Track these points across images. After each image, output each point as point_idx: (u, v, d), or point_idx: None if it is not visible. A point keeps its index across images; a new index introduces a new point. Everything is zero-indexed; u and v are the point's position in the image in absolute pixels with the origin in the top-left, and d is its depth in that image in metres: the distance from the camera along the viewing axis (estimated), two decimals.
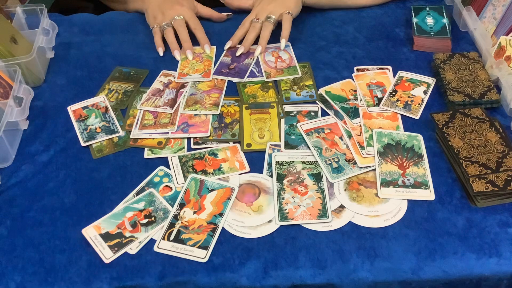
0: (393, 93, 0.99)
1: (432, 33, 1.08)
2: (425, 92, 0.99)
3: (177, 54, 1.09)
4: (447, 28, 1.09)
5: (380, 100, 0.97)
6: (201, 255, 0.75)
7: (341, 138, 0.91)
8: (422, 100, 0.97)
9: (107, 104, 1.00)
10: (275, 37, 1.15)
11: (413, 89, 1.00)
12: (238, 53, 1.08)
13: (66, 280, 0.73)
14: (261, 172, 0.87)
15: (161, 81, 1.04)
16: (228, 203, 0.81)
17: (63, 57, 1.12)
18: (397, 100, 0.97)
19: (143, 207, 0.81)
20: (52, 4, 1.41)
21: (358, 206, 0.80)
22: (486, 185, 0.79)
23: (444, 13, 1.12)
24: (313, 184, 0.84)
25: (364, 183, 0.84)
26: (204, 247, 0.76)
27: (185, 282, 0.73)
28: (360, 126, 0.93)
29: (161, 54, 1.11)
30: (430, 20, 1.11)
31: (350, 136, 0.91)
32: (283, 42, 1.08)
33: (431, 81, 1.01)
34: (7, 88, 0.94)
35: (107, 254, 0.76)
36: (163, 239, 0.77)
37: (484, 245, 0.75)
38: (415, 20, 1.10)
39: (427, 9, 1.14)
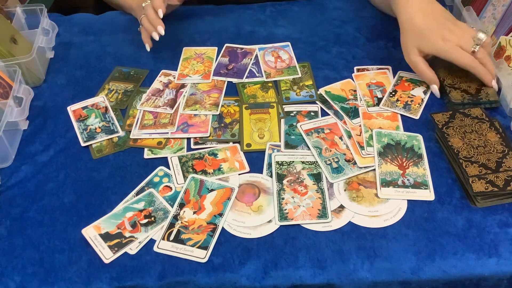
0: (393, 93, 0.99)
1: None
2: (424, 92, 0.99)
3: (147, 47, 1.09)
4: None
5: (380, 100, 0.97)
6: (201, 255, 0.75)
7: (341, 138, 0.91)
8: (422, 100, 0.97)
9: (107, 104, 1.00)
10: (275, 37, 1.15)
11: (412, 89, 1.00)
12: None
13: (66, 280, 0.73)
14: (261, 172, 0.87)
15: (161, 81, 1.04)
16: (228, 203, 0.81)
17: (63, 57, 1.13)
18: (397, 100, 0.97)
19: (143, 207, 0.81)
20: (52, 4, 1.41)
21: (358, 206, 0.80)
22: (486, 185, 0.79)
23: None
24: (313, 184, 0.84)
25: (364, 183, 0.84)
26: (204, 247, 0.76)
27: (185, 282, 0.73)
28: (360, 126, 0.93)
29: (148, 49, 1.10)
30: None
31: (350, 136, 0.91)
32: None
33: None
34: (7, 88, 0.94)
35: (107, 254, 0.76)
36: (163, 239, 0.77)
37: (484, 245, 0.75)
38: None
39: None
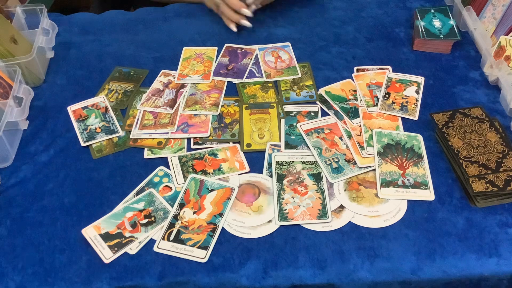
0: (387, 95, 0.98)
1: (441, 36, 1.07)
2: (417, 92, 0.99)
3: (233, 27, 1.15)
4: (456, 30, 1.08)
5: None
6: (201, 255, 0.75)
7: (341, 138, 0.91)
8: (416, 100, 0.97)
9: (107, 104, 1.00)
10: (275, 37, 1.15)
11: (404, 89, 1.00)
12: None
13: (66, 280, 0.73)
14: (261, 172, 0.87)
15: (161, 81, 1.04)
16: (228, 203, 0.81)
17: (63, 57, 1.12)
18: (392, 102, 0.97)
19: (143, 207, 0.81)
20: (52, 4, 1.41)
21: (358, 206, 0.80)
22: (486, 185, 0.79)
23: (450, 15, 1.12)
24: (313, 184, 0.84)
25: (364, 183, 0.84)
26: (204, 247, 0.76)
27: (185, 282, 0.73)
28: (360, 126, 0.93)
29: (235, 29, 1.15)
30: (437, 23, 1.10)
31: (350, 136, 0.91)
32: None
33: (420, 79, 1.01)
34: (7, 88, 0.94)
35: (107, 254, 0.76)
36: (163, 239, 0.77)
37: (484, 246, 0.75)
38: (422, 23, 1.10)
39: (432, 11, 1.14)
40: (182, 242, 0.77)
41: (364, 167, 0.86)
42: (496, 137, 0.85)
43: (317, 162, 0.87)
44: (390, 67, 1.05)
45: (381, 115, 0.95)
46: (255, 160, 0.88)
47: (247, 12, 1.11)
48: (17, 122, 0.94)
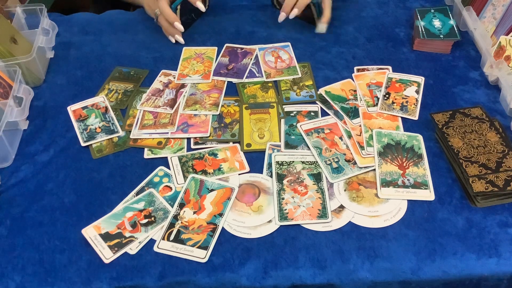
0: (387, 95, 0.98)
1: (441, 36, 1.07)
2: (417, 92, 0.99)
3: (175, 39, 1.13)
4: (455, 30, 1.08)
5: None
6: (201, 255, 0.75)
7: (341, 138, 0.91)
8: (417, 100, 0.97)
9: (107, 104, 1.00)
10: (275, 37, 1.15)
11: (404, 89, 1.00)
12: (280, 19, 1.10)
13: (66, 280, 0.73)
14: (261, 172, 0.87)
15: (160, 81, 1.04)
16: (228, 203, 0.81)
17: (63, 57, 1.12)
18: (392, 102, 0.97)
19: (143, 207, 0.81)
20: (52, 4, 1.41)
21: (358, 206, 0.80)
22: (486, 185, 0.79)
23: (450, 15, 1.12)
24: (313, 184, 0.84)
25: (364, 183, 0.84)
26: (204, 247, 0.76)
27: (185, 282, 0.73)
28: (360, 126, 0.93)
29: (177, 40, 1.14)
30: (437, 23, 1.10)
31: (350, 136, 0.91)
32: (322, 26, 1.13)
33: (420, 79, 1.01)
34: (7, 88, 0.94)
35: (107, 254, 0.76)
36: (163, 239, 0.77)
37: (484, 245, 0.75)
38: (422, 23, 1.10)
39: (432, 11, 1.14)
40: (182, 242, 0.77)
41: (364, 167, 0.86)
42: (496, 137, 0.85)
43: (317, 162, 0.87)
44: (390, 67, 1.05)
45: (381, 115, 0.95)
46: (255, 160, 0.88)
47: (180, 27, 1.10)
48: (17, 122, 0.94)
